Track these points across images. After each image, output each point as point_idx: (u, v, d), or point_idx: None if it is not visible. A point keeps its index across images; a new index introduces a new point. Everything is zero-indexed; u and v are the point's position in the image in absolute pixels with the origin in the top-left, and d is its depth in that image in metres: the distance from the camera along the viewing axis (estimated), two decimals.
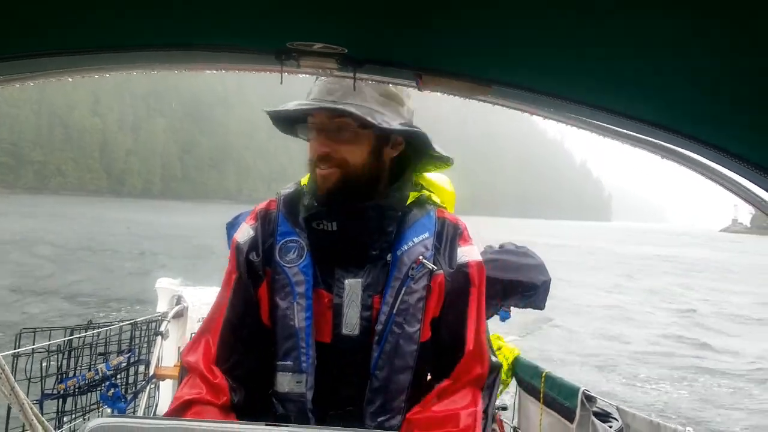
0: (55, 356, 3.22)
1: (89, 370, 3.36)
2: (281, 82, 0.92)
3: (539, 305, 3.79)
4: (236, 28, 0.84)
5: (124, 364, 3.65)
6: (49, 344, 3.20)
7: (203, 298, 4.06)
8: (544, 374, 3.04)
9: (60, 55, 0.88)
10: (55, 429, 2.99)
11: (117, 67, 0.98)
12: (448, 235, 1.34)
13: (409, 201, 1.35)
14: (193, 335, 1.43)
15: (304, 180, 1.40)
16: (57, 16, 0.77)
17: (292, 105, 1.29)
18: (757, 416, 9.50)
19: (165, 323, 3.89)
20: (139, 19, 0.80)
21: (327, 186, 1.26)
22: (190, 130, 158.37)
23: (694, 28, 0.65)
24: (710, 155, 0.93)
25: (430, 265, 1.27)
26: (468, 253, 1.34)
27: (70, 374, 3.27)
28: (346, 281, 1.27)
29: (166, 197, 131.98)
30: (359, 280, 1.27)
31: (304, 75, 0.95)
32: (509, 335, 3.92)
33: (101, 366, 3.44)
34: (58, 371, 3.23)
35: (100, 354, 3.49)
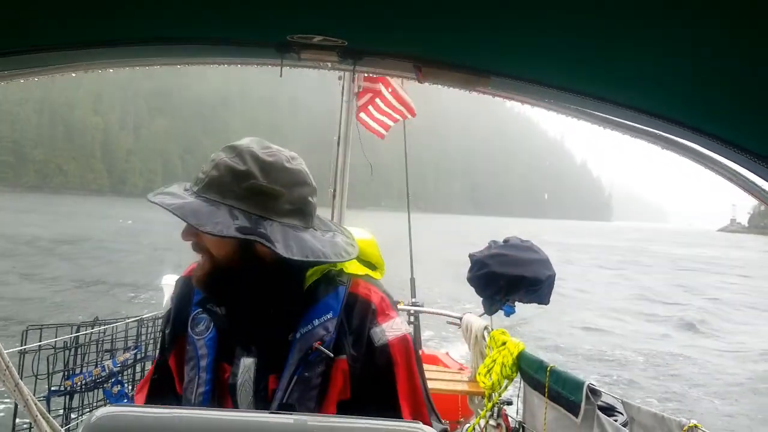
0: (62, 353, 3.25)
1: (96, 366, 3.39)
2: (281, 75, 0.92)
3: (543, 300, 3.76)
4: (237, 21, 0.84)
5: (131, 360, 3.68)
6: (55, 341, 3.23)
7: None
8: (549, 368, 3.04)
9: (60, 50, 0.88)
10: (62, 425, 3.02)
11: (118, 62, 0.99)
12: (358, 315, 1.24)
13: (310, 280, 1.26)
14: None
15: None
16: (57, 11, 0.77)
17: (155, 198, 1.18)
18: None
19: None
20: (139, 13, 0.81)
21: (197, 275, 1.23)
22: (192, 130, 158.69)
23: (693, 19, 0.65)
24: (710, 145, 0.93)
25: (327, 352, 1.19)
26: (388, 331, 1.24)
27: (77, 371, 3.30)
28: (242, 360, 1.24)
29: None
30: (253, 359, 1.24)
31: (306, 75, 0.95)
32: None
33: (108, 362, 3.47)
34: (64, 368, 3.26)
35: (106, 351, 3.52)
